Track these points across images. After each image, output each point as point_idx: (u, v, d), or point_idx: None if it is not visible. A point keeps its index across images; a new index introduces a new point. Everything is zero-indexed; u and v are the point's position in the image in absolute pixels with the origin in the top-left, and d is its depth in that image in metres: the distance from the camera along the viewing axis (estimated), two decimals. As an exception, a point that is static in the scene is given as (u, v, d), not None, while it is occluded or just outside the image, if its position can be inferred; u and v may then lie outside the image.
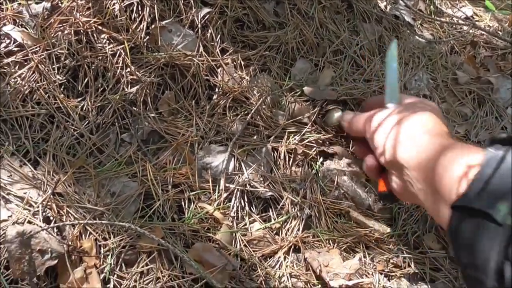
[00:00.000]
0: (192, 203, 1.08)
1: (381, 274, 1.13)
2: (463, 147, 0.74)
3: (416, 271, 1.17)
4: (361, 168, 1.04)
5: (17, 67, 1.09)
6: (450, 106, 1.51)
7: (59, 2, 1.16)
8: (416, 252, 1.19)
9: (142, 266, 0.96)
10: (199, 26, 1.29)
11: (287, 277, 1.04)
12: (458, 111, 1.51)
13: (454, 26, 1.70)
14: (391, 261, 1.16)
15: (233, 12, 1.37)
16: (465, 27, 1.65)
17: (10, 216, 0.94)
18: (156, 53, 1.22)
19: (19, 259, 0.87)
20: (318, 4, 1.51)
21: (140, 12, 1.23)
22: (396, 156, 0.85)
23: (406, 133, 0.85)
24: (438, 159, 0.73)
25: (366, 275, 1.10)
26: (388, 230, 1.19)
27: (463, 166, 0.67)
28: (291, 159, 1.22)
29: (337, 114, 1.24)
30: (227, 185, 1.13)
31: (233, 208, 1.11)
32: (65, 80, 1.12)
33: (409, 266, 1.17)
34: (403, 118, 0.88)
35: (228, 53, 1.32)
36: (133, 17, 1.21)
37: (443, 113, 1.48)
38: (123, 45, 1.17)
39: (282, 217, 1.14)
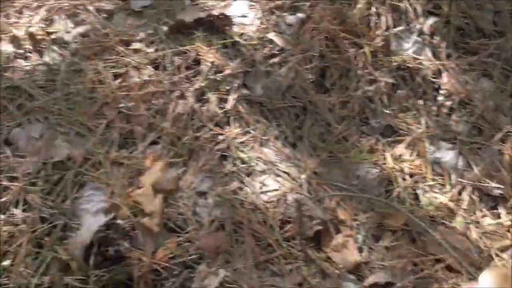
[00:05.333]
0: (427, 192, 1.18)
1: None
2: None
3: None
4: None
5: (277, 66, 1.31)
6: None
7: (310, 13, 1.36)
8: None
9: (388, 242, 1.08)
10: (427, 33, 1.40)
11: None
12: None
13: None
14: None
15: (456, 21, 1.45)
16: None
17: (280, 187, 1.13)
18: (389, 57, 1.35)
19: (295, 221, 1.04)
20: (540, 12, 1.52)
21: (376, 21, 1.37)
22: None
23: None
24: None
25: None
26: None
27: None
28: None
29: None
30: (458, 179, 1.20)
31: (464, 201, 1.18)
32: (315, 78, 1.30)
33: None
34: None
35: (452, 58, 1.40)
36: (370, 25, 1.37)
37: None
38: (363, 49, 1.33)
39: (513, 215, 1.17)
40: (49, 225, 1.03)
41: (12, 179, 1.09)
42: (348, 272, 1.03)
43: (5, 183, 1.09)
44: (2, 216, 1.04)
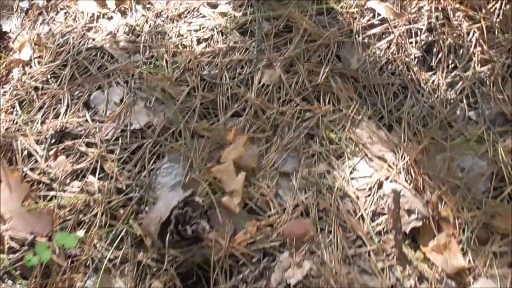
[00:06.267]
0: (546, 193, 1.01)
1: None
2: None
3: None
4: None
5: (376, 38, 1.17)
6: None
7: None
8: None
9: (497, 247, 0.94)
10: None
11: None
12: None
13: None
14: None
15: None
16: None
17: (373, 173, 1.01)
18: (508, 34, 1.17)
19: (391, 214, 0.92)
20: None
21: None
22: None
23: None
24: None
25: None
26: None
27: None
28: None
29: None
30: None
31: None
32: (420, 54, 1.15)
33: None
34: None
35: None
36: (491, -4, 1.19)
37: None
38: (478, 24, 1.16)
39: None
40: (124, 197, 0.98)
41: (90, 144, 1.05)
42: (448, 277, 0.90)
43: (82, 148, 1.04)
44: (78, 183, 1.00)
